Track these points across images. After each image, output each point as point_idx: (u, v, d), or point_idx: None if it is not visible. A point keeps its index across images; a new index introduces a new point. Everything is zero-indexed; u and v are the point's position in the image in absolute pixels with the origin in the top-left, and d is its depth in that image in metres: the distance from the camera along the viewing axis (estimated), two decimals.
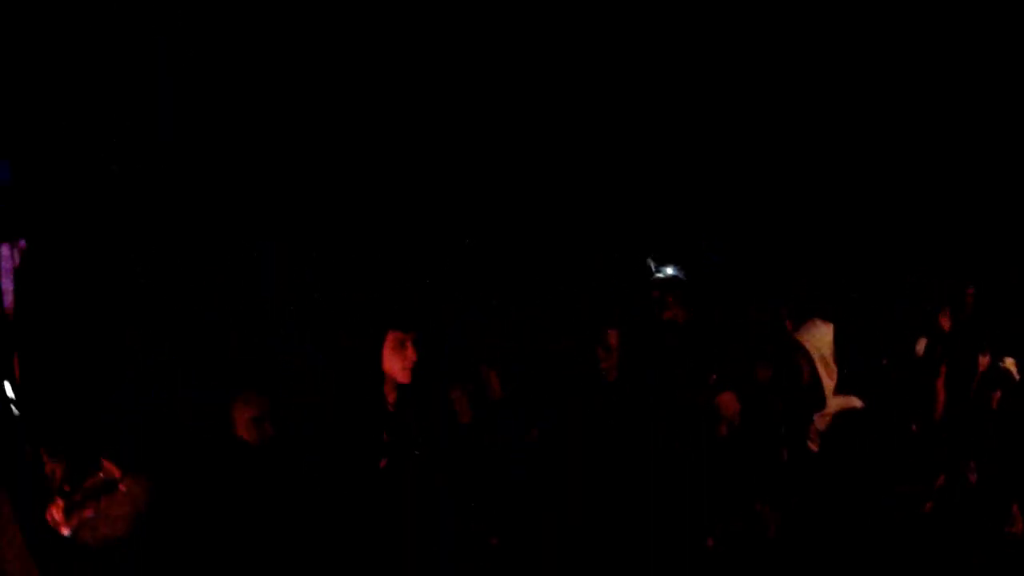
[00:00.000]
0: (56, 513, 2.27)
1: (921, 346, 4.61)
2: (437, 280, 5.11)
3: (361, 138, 6.57)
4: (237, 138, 5.92)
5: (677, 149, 7.62)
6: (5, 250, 3.39)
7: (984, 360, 4.65)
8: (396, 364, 3.18)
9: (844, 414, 3.92)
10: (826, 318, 4.23)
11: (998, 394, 4.53)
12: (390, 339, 3.18)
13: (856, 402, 4.04)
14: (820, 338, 4.16)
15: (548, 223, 6.49)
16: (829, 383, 4.08)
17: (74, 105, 5.42)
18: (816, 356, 4.07)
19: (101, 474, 2.34)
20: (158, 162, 5.58)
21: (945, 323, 4.95)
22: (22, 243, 3.35)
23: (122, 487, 2.34)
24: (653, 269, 6.48)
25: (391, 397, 3.19)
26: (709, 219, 6.98)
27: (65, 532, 2.25)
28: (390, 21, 6.63)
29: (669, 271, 6.67)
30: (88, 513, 2.28)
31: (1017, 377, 4.67)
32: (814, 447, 3.93)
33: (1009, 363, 4.65)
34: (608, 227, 6.85)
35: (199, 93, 5.92)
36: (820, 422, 4.00)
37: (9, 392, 3.09)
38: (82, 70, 5.50)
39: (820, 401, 4.00)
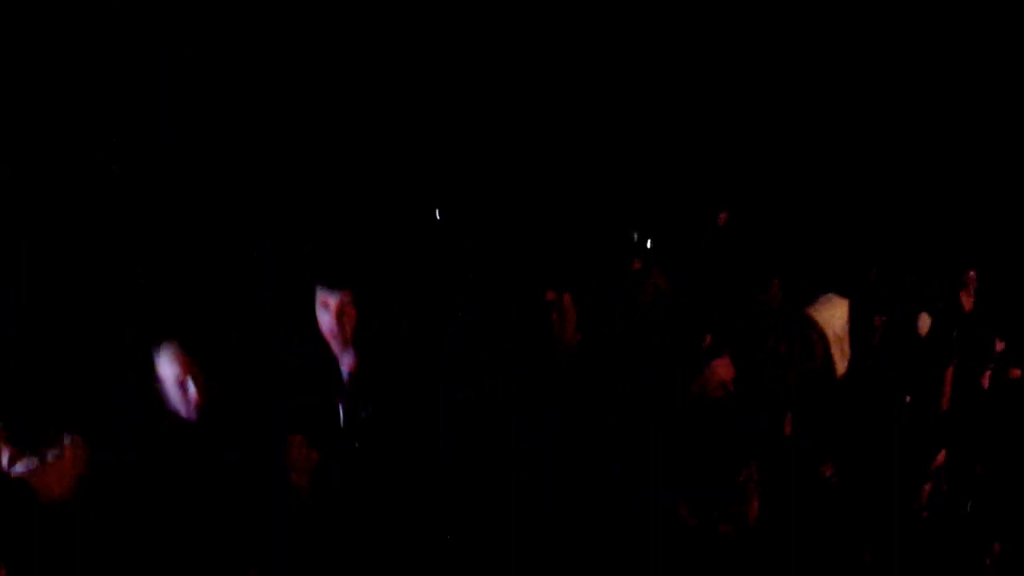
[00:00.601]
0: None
1: (924, 324, 4.48)
2: (437, 280, 5.10)
3: (361, 138, 6.57)
4: (236, 138, 5.92)
5: (690, 137, 7.61)
6: None
7: (1000, 345, 4.51)
8: (323, 325, 3.01)
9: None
10: (842, 293, 4.00)
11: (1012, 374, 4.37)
12: (318, 298, 3.03)
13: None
14: (834, 315, 3.94)
15: (548, 221, 6.49)
16: (841, 364, 3.85)
17: (74, 105, 5.42)
18: (830, 334, 3.85)
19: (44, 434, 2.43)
20: (158, 162, 5.58)
21: (963, 302, 4.86)
22: None
23: (66, 446, 2.39)
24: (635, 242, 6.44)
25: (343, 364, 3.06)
26: (720, 197, 6.91)
27: (13, 474, 2.36)
28: (388, 22, 6.64)
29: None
30: (29, 462, 2.37)
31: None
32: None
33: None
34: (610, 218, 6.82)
35: (199, 93, 5.92)
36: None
37: None
38: (82, 70, 5.50)
39: (831, 382, 3.77)
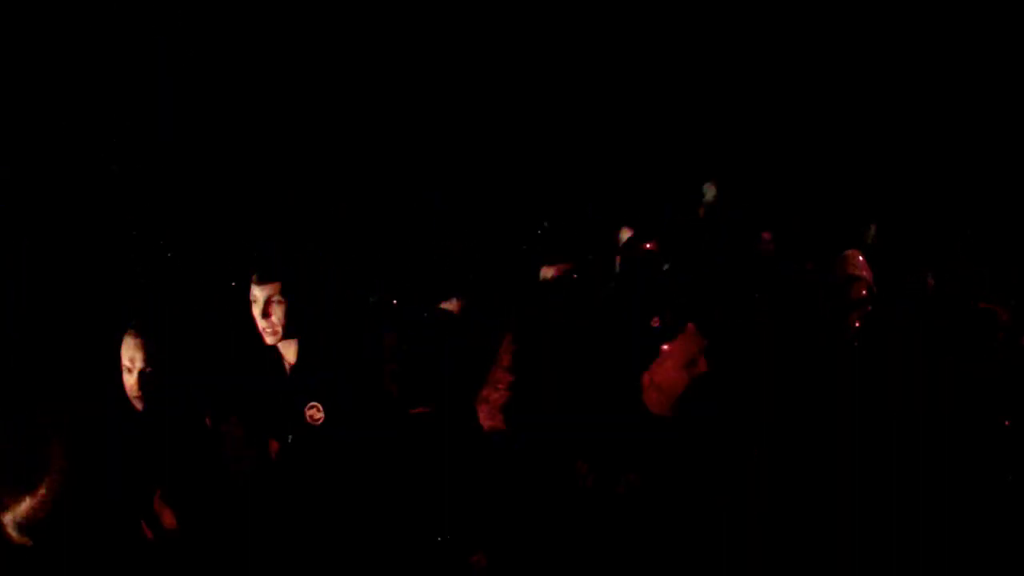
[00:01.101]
0: None
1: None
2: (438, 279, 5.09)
3: (361, 137, 6.57)
4: (236, 138, 5.92)
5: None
6: None
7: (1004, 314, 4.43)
8: (256, 319, 2.98)
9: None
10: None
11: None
12: (250, 293, 2.99)
13: None
14: (858, 264, 3.83)
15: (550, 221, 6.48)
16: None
17: (74, 105, 5.42)
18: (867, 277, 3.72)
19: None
20: (158, 162, 5.58)
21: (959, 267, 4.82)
22: None
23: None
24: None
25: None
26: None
27: None
28: (386, 24, 6.64)
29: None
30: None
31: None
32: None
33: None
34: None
35: (199, 93, 5.92)
36: None
37: None
38: (82, 70, 5.50)
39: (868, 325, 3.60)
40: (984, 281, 4.74)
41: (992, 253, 5.30)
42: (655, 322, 2.91)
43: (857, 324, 3.48)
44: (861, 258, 3.90)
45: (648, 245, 4.12)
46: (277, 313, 2.94)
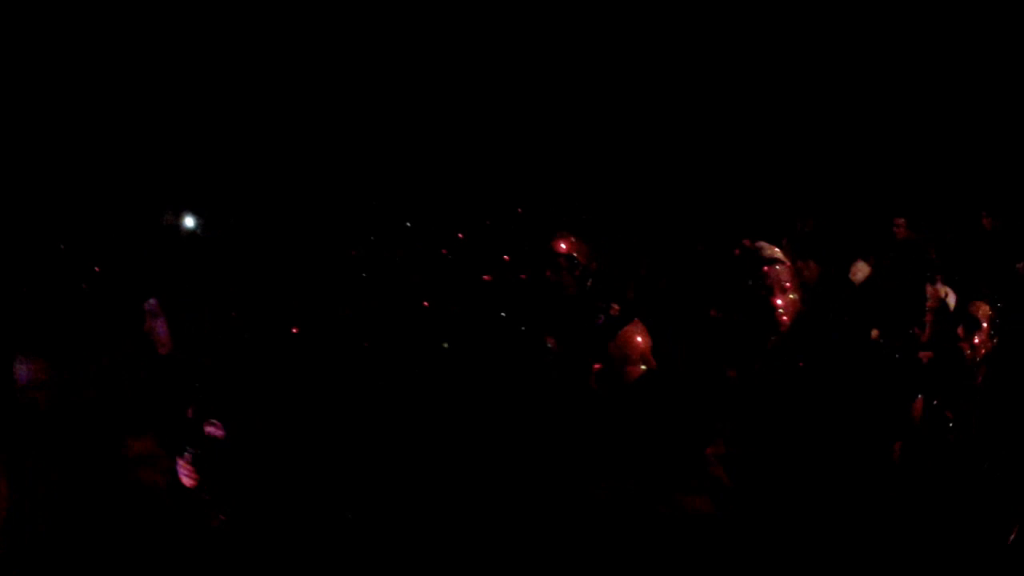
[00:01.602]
0: None
1: (860, 272, 4.48)
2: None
3: (360, 138, 6.61)
4: (236, 138, 5.97)
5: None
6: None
7: (932, 291, 4.39)
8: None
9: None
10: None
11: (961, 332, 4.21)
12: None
13: None
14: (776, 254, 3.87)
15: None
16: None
17: (74, 104, 5.48)
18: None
19: None
20: (158, 162, 5.63)
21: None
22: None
23: None
24: None
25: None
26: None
27: None
28: (384, 27, 6.67)
29: None
30: None
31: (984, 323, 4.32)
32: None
33: (980, 309, 4.31)
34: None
35: (199, 93, 5.97)
36: None
37: None
38: (83, 70, 5.55)
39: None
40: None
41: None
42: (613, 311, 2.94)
43: (784, 314, 3.44)
44: (772, 248, 3.90)
45: (564, 246, 4.07)
46: (161, 325, 3.06)
